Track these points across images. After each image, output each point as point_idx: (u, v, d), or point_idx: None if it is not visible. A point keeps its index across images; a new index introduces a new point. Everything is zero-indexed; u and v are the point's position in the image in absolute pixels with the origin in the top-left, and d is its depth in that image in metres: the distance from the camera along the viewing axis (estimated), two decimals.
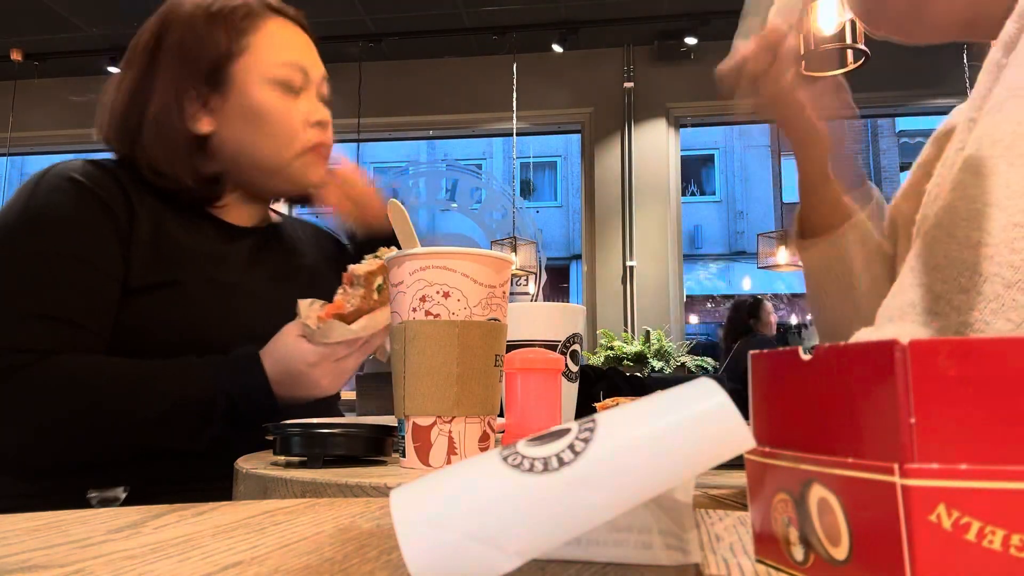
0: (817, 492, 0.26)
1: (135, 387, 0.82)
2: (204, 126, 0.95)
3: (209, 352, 0.85)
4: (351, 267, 0.81)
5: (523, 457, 0.27)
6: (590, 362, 4.66)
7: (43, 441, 0.82)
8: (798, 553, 0.28)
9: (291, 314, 0.85)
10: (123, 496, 0.75)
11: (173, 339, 0.87)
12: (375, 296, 0.81)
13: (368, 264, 0.81)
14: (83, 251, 0.85)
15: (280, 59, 0.97)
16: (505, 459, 0.27)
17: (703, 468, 0.26)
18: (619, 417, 0.28)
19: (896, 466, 0.23)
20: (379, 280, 0.81)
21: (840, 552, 0.25)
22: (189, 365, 0.84)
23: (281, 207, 1.17)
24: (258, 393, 0.83)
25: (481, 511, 0.25)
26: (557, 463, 0.26)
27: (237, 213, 1.03)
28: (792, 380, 0.29)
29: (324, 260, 1.12)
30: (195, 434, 0.83)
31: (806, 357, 0.28)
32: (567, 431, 0.28)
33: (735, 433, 0.26)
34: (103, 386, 0.82)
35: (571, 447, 0.27)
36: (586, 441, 0.27)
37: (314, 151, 1.00)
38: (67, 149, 5.51)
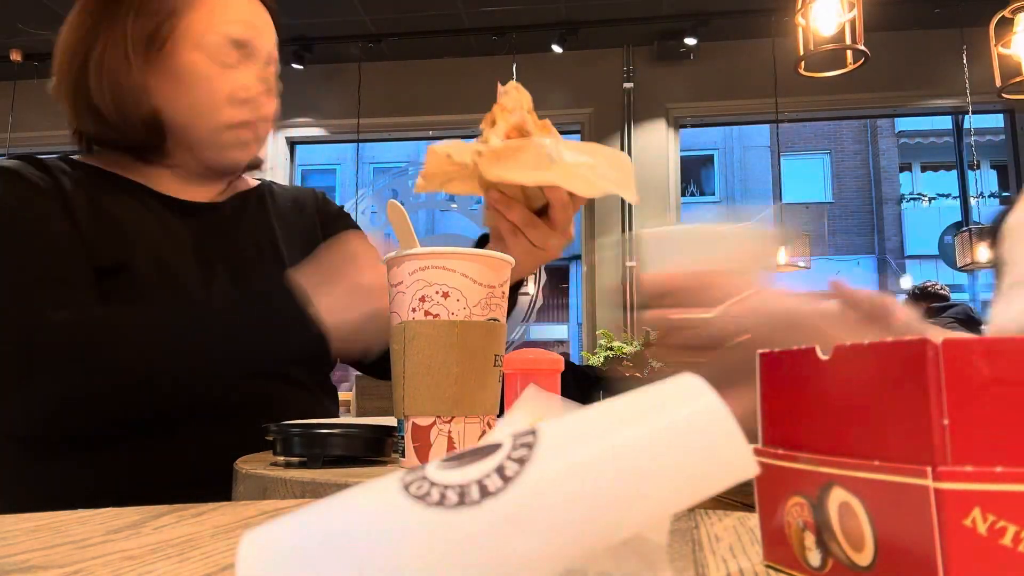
0: (838, 495, 0.25)
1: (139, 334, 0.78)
2: (143, 79, 0.92)
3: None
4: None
5: (432, 484, 0.19)
6: (589, 362, 4.66)
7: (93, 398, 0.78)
8: (814, 558, 0.27)
9: (232, 301, 0.82)
10: None
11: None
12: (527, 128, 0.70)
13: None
14: (40, 224, 0.84)
15: (220, 27, 0.91)
16: (407, 487, 0.19)
17: (685, 502, 0.20)
18: (569, 428, 0.20)
19: (929, 469, 0.22)
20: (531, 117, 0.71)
21: (863, 558, 0.24)
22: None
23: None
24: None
25: (360, 565, 0.18)
26: (479, 493, 0.18)
27: (178, 187, 0.98)
28: (809, 380, 0.27)
29: (294, 232, 1.05)
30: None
31: (824, 356, 0.27)
32: (497, 447, 0.20)
33: (731, 450, 0.20)
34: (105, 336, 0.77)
35: (500, 470, 0.19)
36: (521, 462, 0.19)
37: (235, 130, 0.94)
38: (67, 149, 5.50)
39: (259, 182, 1.10)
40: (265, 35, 0.96)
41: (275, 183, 1.13)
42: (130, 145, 0.94)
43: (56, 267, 0.82)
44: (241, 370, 0.81)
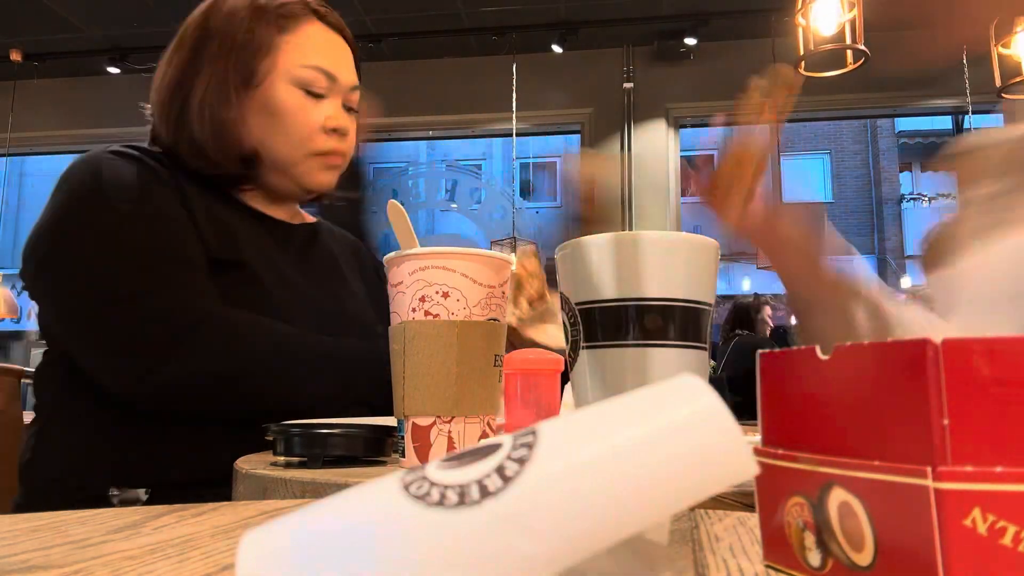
0: (838, 495, 0.25)
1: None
2: (243, 114, 0.98)
3: None
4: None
5: (432, 484, 0.19)
6: None
7: (236, 384, 0.83)
8: (814, 558, 0.27)
9: (331, 313, 0.88)
10: (145, 498, 0.75)
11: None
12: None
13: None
14: (172, 208, 0.89)
15: (308, 61, 0.98)
16: (407, 487, 0.19)
17: (685, 503, 0.20)
18: (569, 428, 0.21)
19: (929, 469, 0.22)
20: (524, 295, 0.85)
21: (863, 558, 0.24)
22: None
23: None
24: None
25: (360, 565, 0.18)
26: (479, 493, 0.19)
27: (264, 208, 1.05)
28: (808, 379, 0.27)
29: (353, 269, 1.14)
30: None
31: (824, 356, 0.27)
32: (497, 447, 0.20)
33: (731, 451, 0.20)
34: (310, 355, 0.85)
35: (500, 470, 0.19)
36: (521, 462, 0.19)
37: (325, 157, 1.01)
38: (67, 149, 5.50)
39: (317, 220, 1.17)
40: (345, 66, 1.03)
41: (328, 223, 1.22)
42: (225, 175, 0.99)
43: (187, 249, 0.87)
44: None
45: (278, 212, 1.06)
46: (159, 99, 0.99)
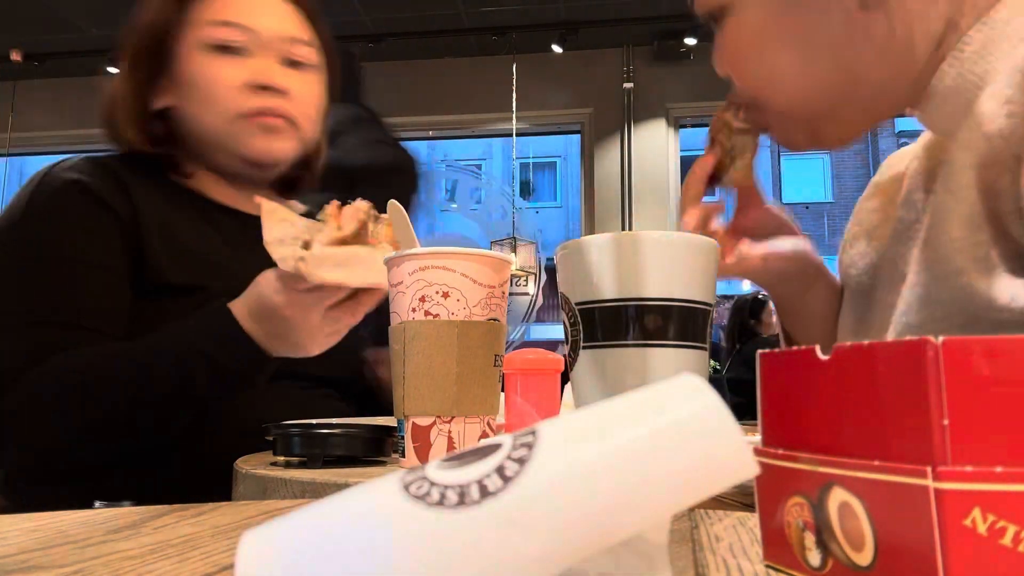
0: (838, 495, 0.25)
1: (109, 368, 0.78)
2: (160, 100, 0.94)
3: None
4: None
5: (432, 484, 0.19)
6: None
7: (51, 446, 0.80)
8: (814, 558, 0.27)
9: None
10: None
11: None
12: (368, 238, 0.76)
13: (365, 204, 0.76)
14: (85, 253, 0.84)
15: (214, 18, 0.90)
16: (407, 487, 0.19)
17: (686, 503, 0.20)
18: (569, 428, 0.21)
19: (929, 469, 0.22)
20: (376, 227, 0.76)
21: (863, 558, 0.24)
22: (156, 337, 0.80)
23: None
24: (233, 341, 0.77)
25: (360, 565, 0.17)
26: (479, 493, 0.19)
27: (229, 198, 0.98)
28: (809, 380, 0.27)
29: None
30: (184, 403, 0.79)
31: (824, 356, 0.27)
32: (496, 447, 0.20)
33: (731, 450, 0.20)
34: (78, 377, 0.78)
35: (500, 470, 0.19)
36: (521, 462, 0.19)
37: (255, 118, 0.91)
38: (67, 149, 5.50)
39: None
40: (272, 15, 0.93)
41: None
42: (165, 158, 0.95)
43: (73, 309, 0.82)
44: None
45: (242, 201, 0.98)
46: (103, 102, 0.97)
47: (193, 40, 0.91)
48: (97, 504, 0.74)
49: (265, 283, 0.77)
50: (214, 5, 0.92)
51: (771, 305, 4.47)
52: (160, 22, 0.92)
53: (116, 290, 0.85)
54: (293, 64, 0.94)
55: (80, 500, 0.75)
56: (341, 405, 0.97)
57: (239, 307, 0.79)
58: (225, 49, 0.90)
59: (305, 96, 0.95)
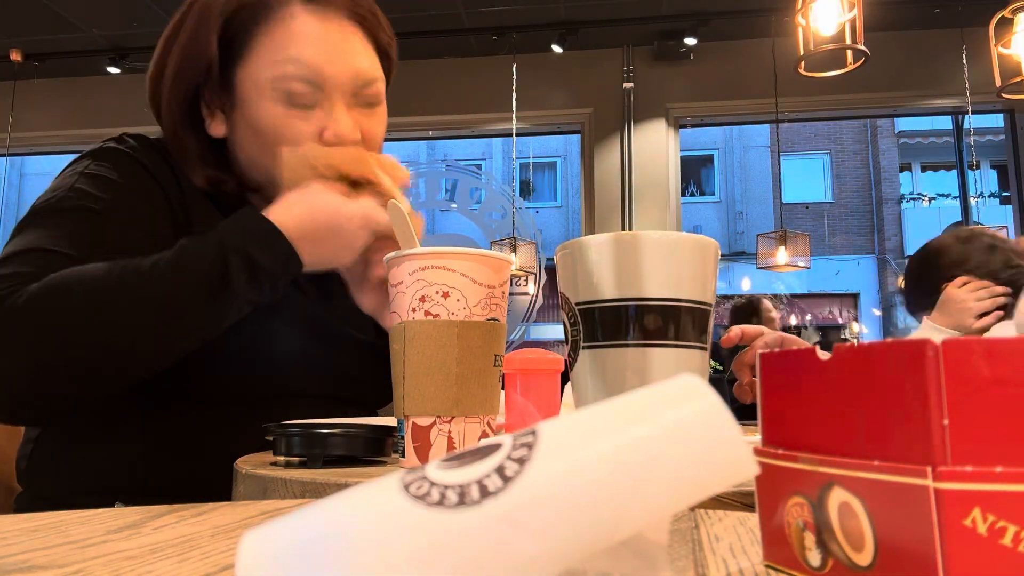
0: (838, 495, 0.25)
1: (129, 274, 0.71)
2: (216, 130, 0.89)
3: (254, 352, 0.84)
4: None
5: (432, 484, 0.19)
6: None
7: (51, 365, 0.69)
8: (814, 558, 0.27)
9: (330, 328, 0.88)
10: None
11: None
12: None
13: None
14: (136, 209, 0.82)
15: (281, 67, 0.83)
16: (407, 487, 0.19)
17: (686, 503, 0.20)
18: (569, 428, 0.21)
19: (929, 469, 0.22)
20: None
21: (863, 558, 0.24)
22: (185, 241, 0.74)
23: None
24: (272, 240, 0.74)
25: (360, 565, 0.17)
26: (479, 493, 0.18)
27: None
28: (809, 380, 0.27)
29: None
30: (218, 309, 0.73)
31: (824, 357, 0.27)
32: (497, 447, 0.20)
33: (731, 450, 0.20)
34: (93, 285, 0.70)
35: (500, 470, 0.19)
36: (521, 462, 0.19)
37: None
38: (67, 149, 5.50)
39: None
40: (340, 57, 0.85)
41: None
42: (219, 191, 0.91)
43: (78, 243, 0.76)
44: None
45: None
46: (147, 90, 0.91)
47: (257, 82, 0.84)
48: (118, 504, 0.74)
49: (328, 188, 0.79)
50: (278, 44, 0.84)
51: (769, 304, 4.44)
52: (212, 47, 0.84)
53: (141, 245, 0.77)
54: (364, 103, 0.89)
55: (93, 499, 0.75)
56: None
57: (279, 214, 0.76)
58: (291, 99, 0.84)
59: (374, 134, 0.91)
